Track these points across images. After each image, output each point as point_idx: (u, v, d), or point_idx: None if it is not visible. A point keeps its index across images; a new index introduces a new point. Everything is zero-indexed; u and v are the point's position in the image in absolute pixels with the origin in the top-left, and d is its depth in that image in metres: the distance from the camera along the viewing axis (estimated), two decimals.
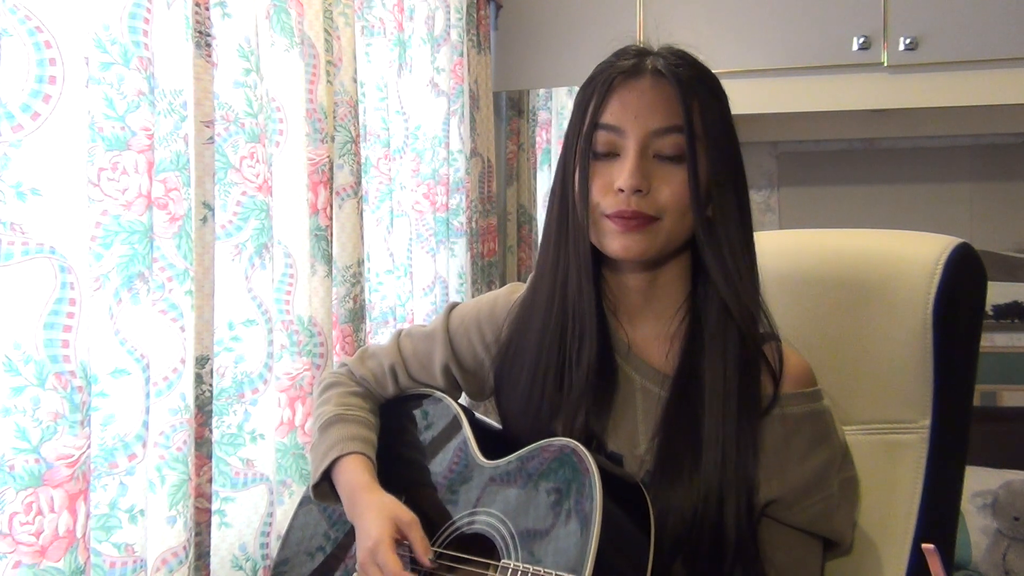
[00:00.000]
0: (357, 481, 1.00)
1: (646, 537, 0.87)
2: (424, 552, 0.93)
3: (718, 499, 0.90)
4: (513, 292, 1.09)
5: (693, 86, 0.93)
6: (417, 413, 1.11)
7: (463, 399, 1.14)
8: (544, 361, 0.99)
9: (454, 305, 1.12)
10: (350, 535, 1.05)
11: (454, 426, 1.06)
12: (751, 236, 0.97)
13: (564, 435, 0.95)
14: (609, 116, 0.93)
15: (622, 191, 0.91)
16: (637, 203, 0.91)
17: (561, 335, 0.98)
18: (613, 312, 1.01)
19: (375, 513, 0.95)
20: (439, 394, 1.10)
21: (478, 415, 1.11)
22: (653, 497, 0.90)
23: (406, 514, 0.95)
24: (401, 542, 0.94)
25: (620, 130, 0.93)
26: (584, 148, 0.94)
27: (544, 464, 0.93)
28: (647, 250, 0.94)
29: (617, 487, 0.89)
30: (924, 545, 0.69)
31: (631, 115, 0.92)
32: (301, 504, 1.13)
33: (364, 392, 1.12)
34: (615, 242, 0.93)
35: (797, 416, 0.94)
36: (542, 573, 0.85)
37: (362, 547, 0.94)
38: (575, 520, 0.86)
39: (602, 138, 0.94)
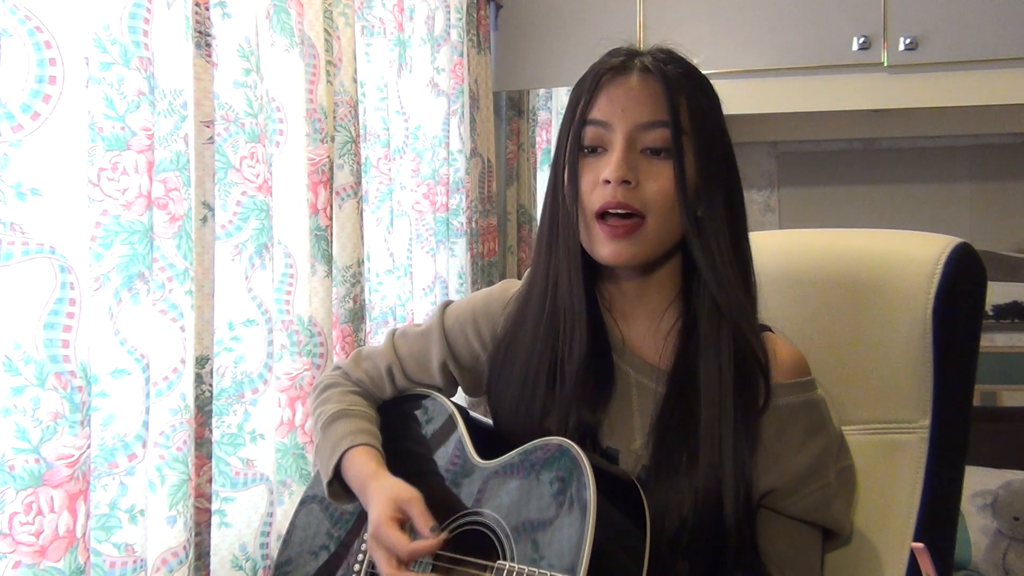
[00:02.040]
0: (365, 471, 1.00)
1: (642, 535, 0.87)
2: (425, 525, 0.92)
3: (716, 493, 0.91)
4: (507, 289, 1.09)
5: (680, 82, 0.94)
6: (412, 414, 1.11)
7: (460, 397, 1.14)
8: (536, 360, 0.99)
9: (448, 303, 1.13)
10: (353, 533, 1.05)
11: (449, 426, 1.06)
12: (743, 234, 0.98)
13: (559, 431, 0.96)
14: (596, 112, 0.95)
15: (608, 182, 0.92)
16: (624, 195, 0.92)
17: (553, 333, 0.99)
18: (607, 309, 1.01)
19: (377, 498, 0.95)
20: (434, 394, 1.10)
21: (473, 414, 1.11)
22: (650, 492, 0.91)
23: (406, 491, 0.95)
24: (405, 522, 0.94)
25: (607, 124, 0.94)
26: (573, 144, 0.96)
27: (539, 463, 0.93)
28: (636, 255, 0.94)
29: (612, 485, 0.89)
30: (914, 544, 0.69)
31: (618, 109, 0.94)
32: (303, 503, 1.13)
33: (362, 392, 1.12)
34: (604, 248, 0.94)
35: (792, 406, 0.94)
36: (537, 573, 0.85)
37: (369, 534, 0.95)
38: (570, 519, 0.86)
39: (590, 133, 0.95)
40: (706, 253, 0.94)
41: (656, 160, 0.93)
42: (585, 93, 0.96)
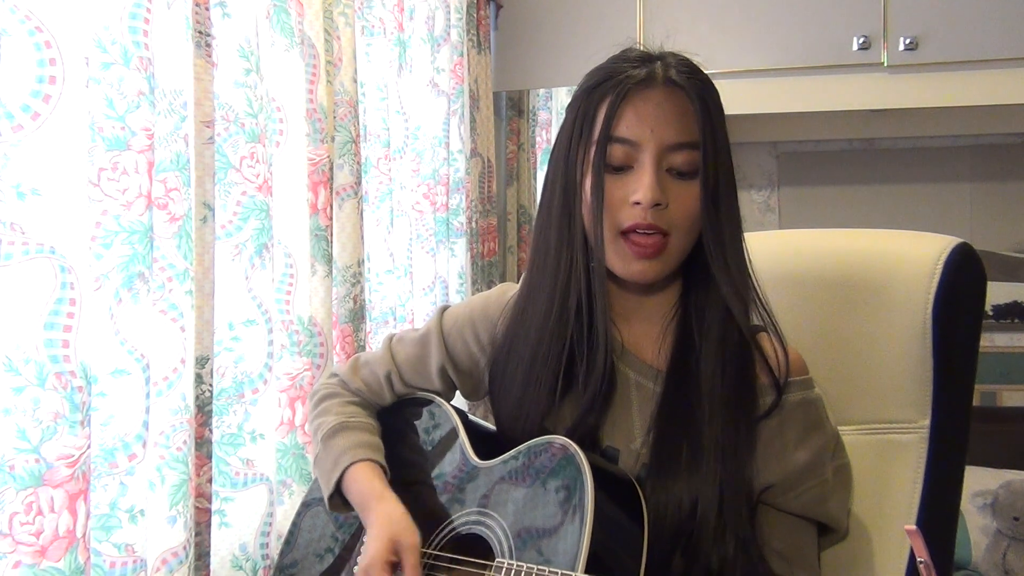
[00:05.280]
0: (368, 490, 0.99)
1: (640, 533, 0.88)
2: None
3: (716, 490, 0.91)
4: (505, 292, 1.09)
5: (706, 100, 0.93)
6: (411, 417, 1.11)
7: (458, 401, 1.14)
8: (538, 367, 0.99)
9: (445, 307, 1.12)
10: (355, 538, 1.05)
11: (448, 428, 1.06)
12: (743, 238, 0.99)
13: (559, 434, 0.96)
14: (624, 129, 0.93)
15: (638, 204, 0.92)
16: (654, 216, 0.92)
17: (560, 341, 0.98)
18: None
19: (378, 529, 0.94)
20: (435, 398, 1.10)
21: (473, 417, 1.11)
22: (650, 490, 0.91)
23: (408, 536, 0.93)
24: (397, 564, 0.93)
25: (636, 144, 0.92)
26: (598, 162, 0.94)
27: (537, 463, 0.93)
28: (661, 272, 0.95)
29: (610, 484, 0.90)
30: (906, 527, 0.70)
31: (647, 128, 0.92)
32: (307, 506, 1.12)
33: (361, 402, 1.12)
34: (632, 266, 0.94)
35: (791, 404, 0.95)
36: (535, 571, 0.85)
37: (362, 561, 0.94)
38: (568, 517, 0.87)
39: (617, 151, 0.93)
40: (723, 265, 0.95)
41: (680, 180, 0.93)
42: (608, 106, 0.93)
